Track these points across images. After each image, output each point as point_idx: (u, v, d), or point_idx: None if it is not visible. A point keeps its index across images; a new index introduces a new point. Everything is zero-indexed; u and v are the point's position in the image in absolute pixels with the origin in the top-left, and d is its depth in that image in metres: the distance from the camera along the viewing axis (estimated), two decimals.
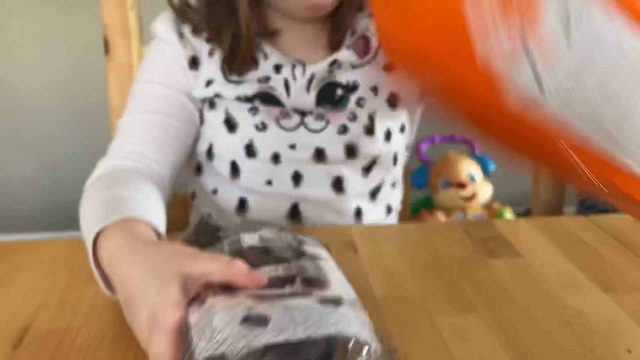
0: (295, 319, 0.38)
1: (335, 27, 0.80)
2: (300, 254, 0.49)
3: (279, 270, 0.46)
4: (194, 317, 0.41)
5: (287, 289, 0.44)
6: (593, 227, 0.76)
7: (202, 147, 0.82)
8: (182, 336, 0.41)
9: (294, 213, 0.80)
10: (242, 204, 0.81)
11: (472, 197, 1.87)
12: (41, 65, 1.95)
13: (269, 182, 0.80)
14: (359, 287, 0.48)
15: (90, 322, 0.55)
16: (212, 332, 0.38)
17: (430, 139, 1.97)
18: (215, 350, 0.37)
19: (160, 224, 0.59)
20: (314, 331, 0.38)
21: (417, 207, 1.93)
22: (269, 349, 0.36)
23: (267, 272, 0.46)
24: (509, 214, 1.92)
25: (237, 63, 0.77)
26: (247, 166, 0.79)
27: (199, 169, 0.86)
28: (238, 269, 0.44)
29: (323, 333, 0.38)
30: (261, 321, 0.38)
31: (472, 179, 1.89)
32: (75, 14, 1.89)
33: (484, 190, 1.89)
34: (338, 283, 0.46)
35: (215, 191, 0.84)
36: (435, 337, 0.53)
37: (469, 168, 1.90)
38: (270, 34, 0.79)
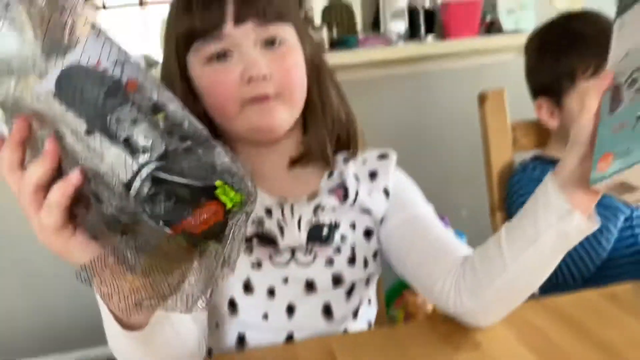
0: None
1: (305, 147, 0.87)
2: None
3: None
4: None
5: None
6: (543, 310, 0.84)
7: None
8: None
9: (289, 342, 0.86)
10: (241, 340, 0.86)
11: None
12: None
13: (265, 316, 0.85)
14: None
15: None
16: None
17: None
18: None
19: None
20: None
21: (399, 288, 1.98)
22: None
23: None
24: None
25: None
26: (245, 302, 0.84)
27: None
28: None
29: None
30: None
31: None
32: None
33: None
34: None
35: (217, 325, 0.87)
36: None
37: None
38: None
